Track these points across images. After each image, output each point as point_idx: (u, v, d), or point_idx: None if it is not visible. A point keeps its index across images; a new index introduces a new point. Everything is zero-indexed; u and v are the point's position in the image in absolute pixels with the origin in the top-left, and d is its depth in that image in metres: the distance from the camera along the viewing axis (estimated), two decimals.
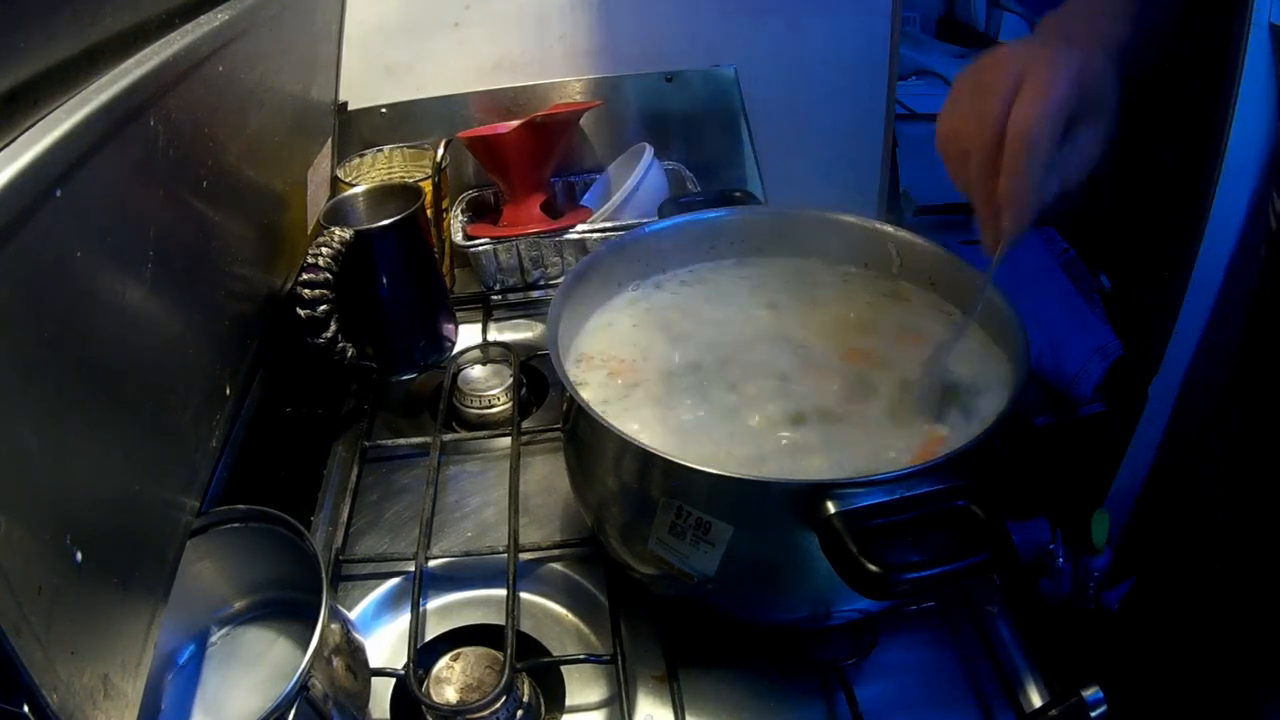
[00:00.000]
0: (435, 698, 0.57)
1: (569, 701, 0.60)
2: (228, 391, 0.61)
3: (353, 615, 0.65)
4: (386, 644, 0.66)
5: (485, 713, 0.56)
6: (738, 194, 0.80)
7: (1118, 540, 1.19)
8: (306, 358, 0.77)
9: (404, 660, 0.59)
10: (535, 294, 1.03)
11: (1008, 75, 0.51)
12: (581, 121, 1.11)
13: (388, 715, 0.60)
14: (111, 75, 0.42)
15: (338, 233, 0.75)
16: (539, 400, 0.89)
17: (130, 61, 0.45)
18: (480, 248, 1.00)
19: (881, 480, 0.47)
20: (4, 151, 0.33)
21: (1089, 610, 1.17)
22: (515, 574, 0.64)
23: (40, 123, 0.36)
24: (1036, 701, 0.58)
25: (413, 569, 0.67)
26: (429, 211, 0.93)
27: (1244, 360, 0.70)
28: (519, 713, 0.58)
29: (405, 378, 0.90)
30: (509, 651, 0.57)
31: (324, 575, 0.52)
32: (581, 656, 0.62)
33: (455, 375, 0.87)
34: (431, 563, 0.68)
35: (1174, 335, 1.13)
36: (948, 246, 0.68)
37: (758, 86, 1.17)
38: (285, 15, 0.76)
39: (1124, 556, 1.17)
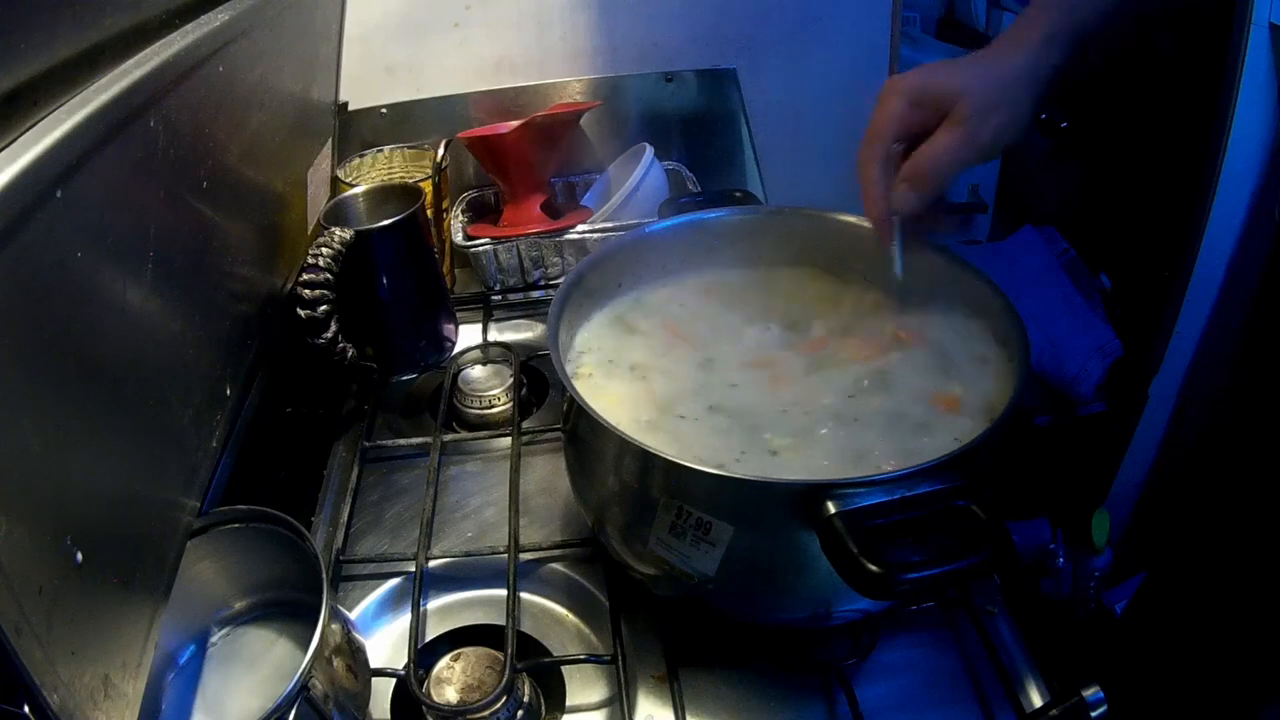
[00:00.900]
0: (436, 698, 0.57)
1: (569, 701, 0.60)
2: (228, 391, 0.61)
3: (353, 615, 0.65)
4: (387, 644, 0.66)
5: (485, 713, 0.56)
6: (738, 194, 0.79)
7: (1118, 540, 1.19)
8: (307, 358, 0.77)
9: (404, 660, 0.59)
10: (535, 294, 1.03)
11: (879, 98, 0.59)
12: (581, 121, 1.11)
13: (388, 715, 0.60)
14: (112, 76, 0.42)
15: (338, 233, 0.75)
16: (539, 400, 0.89)
17: (130, 62, 0.45)
18: (480, 248, 1.00)
19: (882, 480, 0.47)
20: (4, 151, 0.33)
21: (1089, 610, 1.17)
22: (515, 574, 0.64)
23: (40, 123, 0.36)
24: (1036, 701, 0.58)
25: (413, 569, 0.67)
26: (429, 211, 0.93)
27: (1244, 360, 0.70)
28: (519, 713, 0.58)
29: (405, 378, 0.90)
30: (509, 652, 0.57)
31: (324, 575, 0.52)
32: (582, 656, 0.62)
33: (455, 375, 0.87)
34: (432, 563, 0.68)
35: (1174, 335, 1.13)
36: (948, 246, 0.68)
37: (758, 86, 1.17)
38: (285, 15, 0.76)
39: (1124, 556, 1.17)
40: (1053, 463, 1.20)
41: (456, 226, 1.05)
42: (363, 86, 1.10)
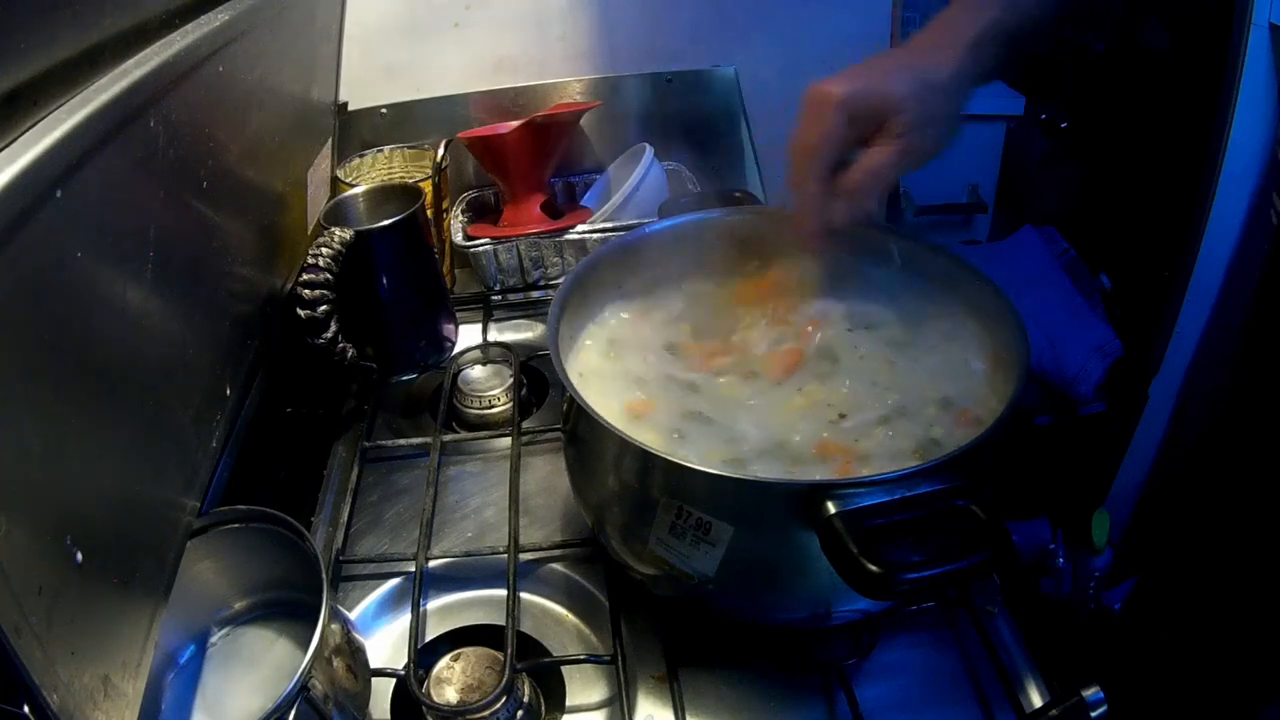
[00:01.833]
0: (435, 698, 0.57)
1: (569, 702, 0.60)
2: (228, 391, 0.61)
3: (353, 615, 0.65)
4: (387, 644, 0.66)
5: (485, 713, 0.56)
6: (738, 194, 0.80)
7: (1118, 540, 1.19)
8: (307, 358, 0.77)
9: (404, 660, 0.59)
10: (535, 294, 1.03)
11: (800, 111, 0.58)
12: (581, 121, 1.11)
13: (388, 715, 0.60)
14: (112, 76, 0.42)
15: (338, 233, 0.75)
16: (539, 400, 0.89)
17: (130, 62, 0.45)
18: (480, 248, 1.00)
19: (881, 480, 0.47)
20: (4, 151, 0.33)
21: (1089, 610, 1.17)
22: (515, 574, 0.64)
23: (40, 123, 0.36)
24: (1036, 701, 0.58)
25: (413, 569, 0.67)
26: (429, 212, 0.93)
27: (1244, 360, 0.70)
28: (519, 713, 0.58)
29: (405, 378, 0.90)
30: (509, 652, 0.57)
31: (324, 575, 0.52)
32: (582, 657, 0.62)
33: (455, 375, 0.87)
34: (432, 563, 0.68)
35: (1174, 335, 1.13)
36: (948, 246, 0.68)
37: (758, 86, 1.17)
38: (285, 15, 0.76)
39: (1124, 556, 1.17)
40: (1053, 463, 1.20)
41: (456, 226, 1.05)
42: (363, 86, 1.10)
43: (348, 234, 0.76)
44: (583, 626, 0.65)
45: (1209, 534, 0.80)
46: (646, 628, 0.63)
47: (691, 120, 1.16)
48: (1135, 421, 1.21)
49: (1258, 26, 0.94)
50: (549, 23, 1.13)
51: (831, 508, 0.45)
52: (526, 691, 0.59)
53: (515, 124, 1.00)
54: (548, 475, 0.77)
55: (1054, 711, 0.54)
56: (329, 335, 0.76)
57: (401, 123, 1.11)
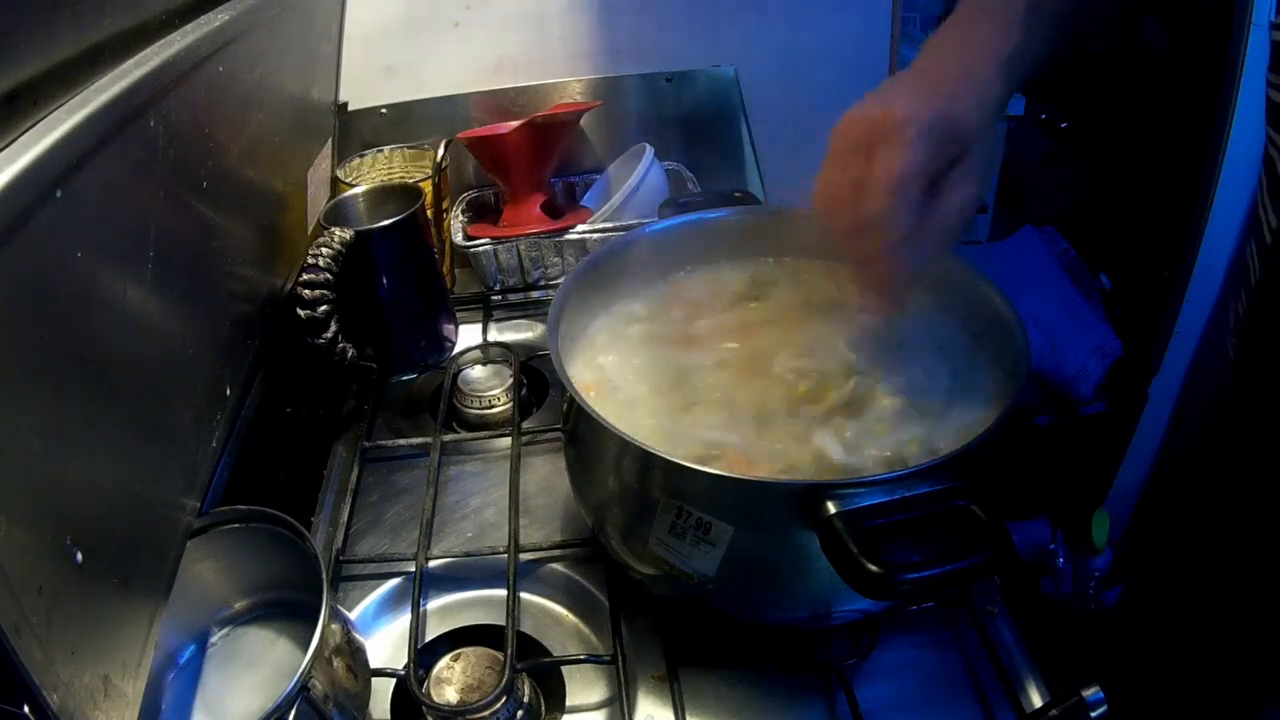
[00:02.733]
0: (435, 698, 0.57)
1: (569, 702, 0.60)
2: (228, 391, 0.61)
3: (353, 615, 0.65)
4: (387, 644, 0.66)
5: (485, 713, 0.56)
6: (738, 194, 0.79)
7: (1118, 540, 1.19)
8: (307, 358, 0.77)
9: (404, 660, 0.59)
10: (535, 294, 1.03)
11: (862, 143, 0.50)
12: (581, 121, 1.11)
13: (388, 715, 0.60)
14: (112, 76, 0.42)
15: (338, 233, 0.75)
16: (539, 400, 0.89)
17: (130, 62, 0.45)
18: (480, 248, 1.00)
19: (882, 480, 0.47)
20: (4, 151, 0.33)
21: (1089, 610, 1.17)
22: (515, 574, 0.64)
23: (40, 123, 0.36)
24: (1036, 701, 0.58)
25: (413, 569, 0.67)
26: (429, 212, 0.93)
27: (1244, 360, 0.70)
28: (519, 713, 0.58)
29: (405, 378, 0.90)
30: (509, 652, 0.57)
31: (324, 576, 0.52)
32: (582, 657, 0.62)
33: (455, 375, 0.87)
34: (432, 563, 0.68)
35: (1174, 335, 1.13)
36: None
37: (758, 86, 1.17)
38: (285, 15, 0.76)
39: (1124, 556, 1.18)
40: (1053, 463, 1.20)
41: (456, 226, 1.05)
42: (363, 86, 1.10)
43: (348, 234, 0.76)
44: (583, 626, 0.65)
45: (1209, 534, 0.80)
46: (646, 628, 0.63)
47: (691, 120, 1.16)
48: (1135, 421, 1.21)
49: (1257, 26, 0.94)
50: (549, 23, 1.13)
51: (831, 508, 0.45)
52: (526, 691, 0.59)
53: (515, 124, 1.00)
54: (548, 475, 0.77)
55: (1054, 711, 0.54)
56: (329, 335, 0.76)
57: (401, 123, 1.11)
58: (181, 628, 0.58)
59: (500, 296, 1.03)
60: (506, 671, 0.56)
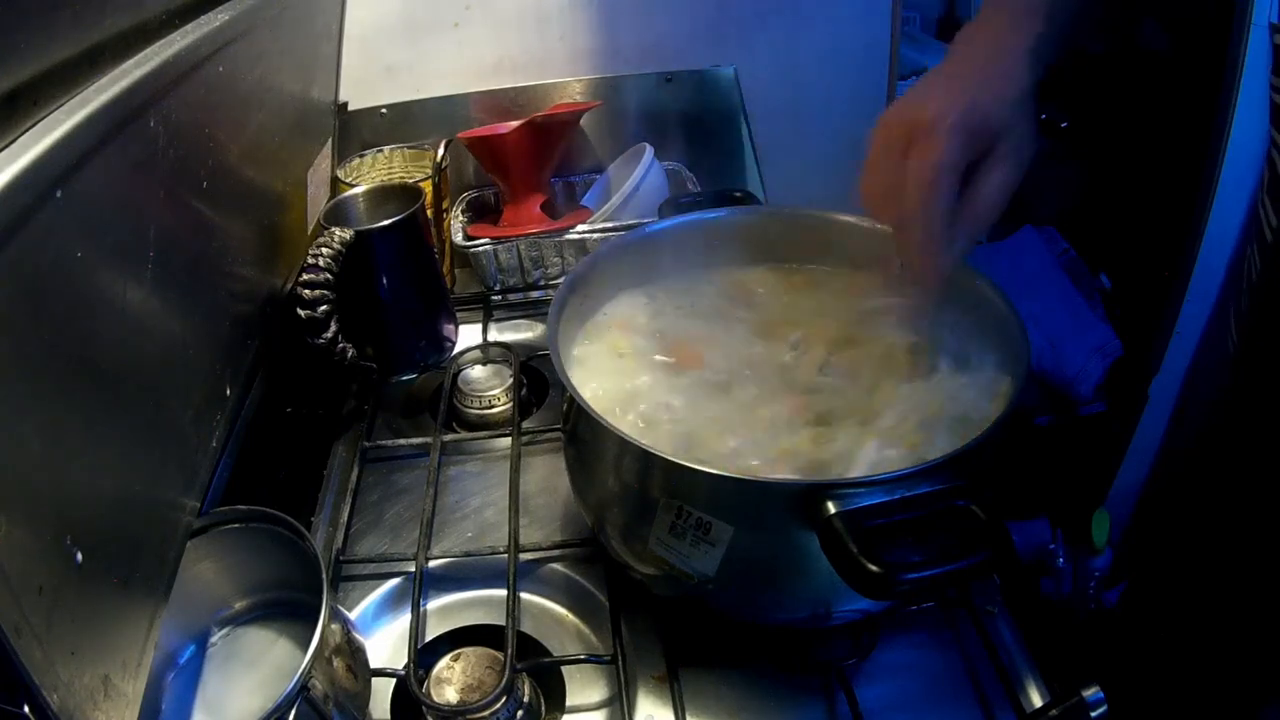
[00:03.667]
0: (435, 698, 0.57)
1: (569, 702, 0.60)
2: (228, 391, 0.61)
3: (353, 615, 0.65)
4: (387, 644, 0.66)
5: (485, 713, 0.56)
6: (738, 194, 0.79)
7: (1118, 540, 1.19)
8: (307, 358, 0.77)
9: (404, 660, 0.59)
10: (535, 294, 1.03)
11: (899, 140, 0.53)
12: (581, 121, 1.11)
13: (388, 715, 0.60)
14: (112, 76, 0.42)
15: (338, 233, 0.75)
16: (539, 400, 0.89)
17: (130, 62, 0.45)
18: (480, 248, 1.00)
19: (882, 480, 0.47)
20: (4, 152, 0.33)
21: (1089, 610, 1.17)
22: (515, 574, 0.64)
23: (40, 123, 0.36)
24: (1036, 701, 0.58)
25: (413, 569, 0.67)
26: (429, 212, 0.93)
27: (1244, 359, 0.70)
28: (519, 713, 0.58)
29: (405, 378, 0.90)
30: (509, 652, 0.57)
31: (324, 575, 0.52)
32: (582, 657, 0.62)
33: (455, 375, 0.87)
34: (432, 563, 0.68)
35: (1174, 335, 1.13)
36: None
37: (758, 86, 1.17)
38: (285, 15, 0.76)
39: (1124, 556, 1.18)
40: (1053, 463, 1.20)
41: (456, 226, 1.05)
42: (363, 86, 1.10)
43: (348, 234, 0.76)
44: (583, 626, 0.65)
45: (1209, 534, 0.80)
46: (646, 628, 0.63)
47: (691, 120, 1.16)
48: (1135, 421, 1.21)
49: (1257, 27, 0.94)
50: (549, 23, 1.13)
51: (831, 508, 0.45)
52: (526, 691, 0.59)
53: (515, 124, 1.00)
54: (548, 475, 0.77)
55: (1054, 711, 0.54)
56: (329, 335, 0.76)
57: (401, 123, 1.11)
58: (181, 628, 0.58)
59: (500, 296, 1.03)
60: (506, 671, 0.56)
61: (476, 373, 0.88)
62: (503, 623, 0.60)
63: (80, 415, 0.39)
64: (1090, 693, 0.52)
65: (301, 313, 0.74)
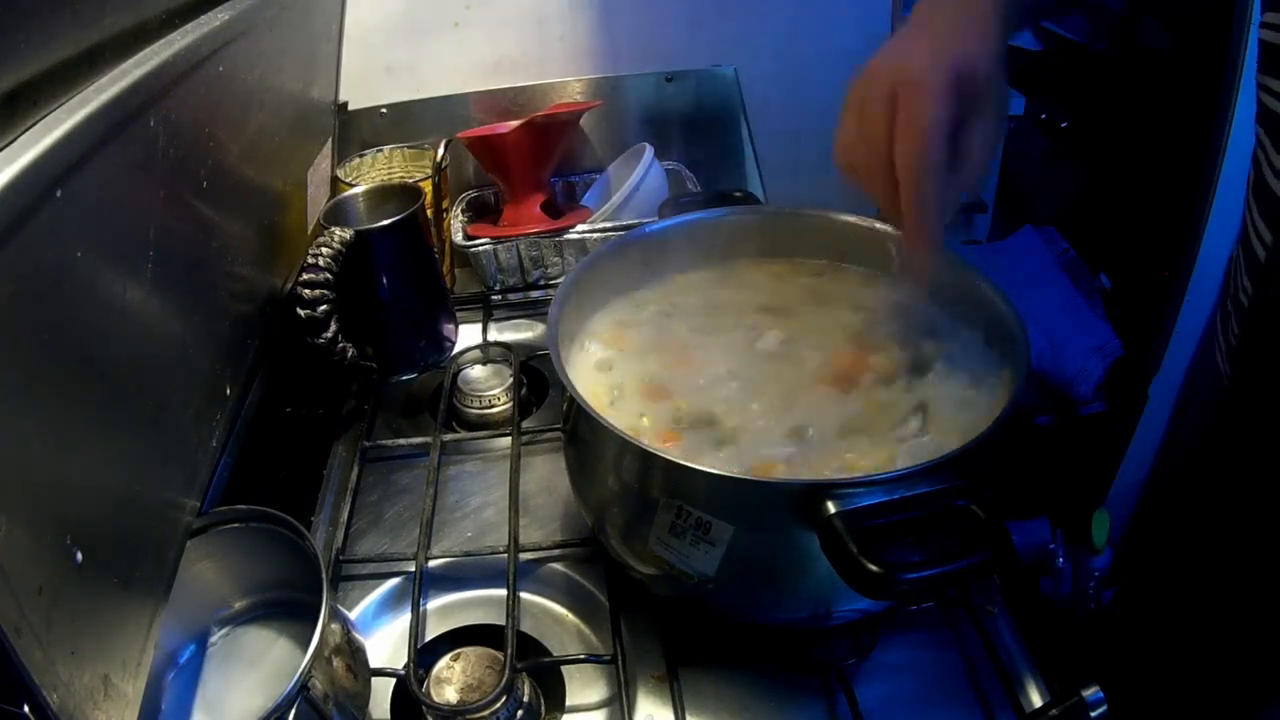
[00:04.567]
0: (435, 698, 0.57)
1: (569, 701, 0.60)
2: (228, 391, 0.61)
3: (353, 615, 0.65)
4: (387, 644, 0.66)
5: (485, 713, 0.56)
6: (738, 194, 0.80)
7: (1118, 540, 1.19)
8: (306, 358, 0.77)
9: (404, 660, 0.59)
10: (535, 294, 1.03)
11: (883, 95, 0.51)
12: (581, 121, 1.11)
13: (388, 715, 0.60)
14: (112, 76, 0.42)
15: (338, 233, 0.75)
16: (539, 400, 0.89)
17: (130, 62, 0.45)
18: (480, 248, 1.00)
19: (881, 480, 0.47)
20: (4, 151, 0.33)
21: (1089, 610, 1.17)
22: (515, 574, 0.64)
23: (40, 123, 0.36)
24: (1036, 701, 0.58)
25: (413, 569, 0.67)
26: (429, 211, 0.93)
27: (1244, 359, 0.70)
28: (519, 713, 0.58)
29: (405, 378, 0.90)
30: (509, 651, 0.57)
31: (324, 575, 0.52)
32: (582, 656, 0.62)
33: (455, 375, 0.87)
34: (431, 563, 0.68)
35: (1174, 335, 1.13)
36: (947, 246, 0.68)
37: (758, 86, 1.17)
38: (285, 15, 0.76)
39: (1124, 556, 1.17)
40: (1053, 463, 1.20)
41: (456, 226, 1.05)
42: (363, 86, 1.10)
43: (348, 234, 0.76)
44: (583, 626, 0.65)
45: (1209, 534, 0.80)
46: (646, 628, 0.63)
47: (691, 120, 1.16)
48: (1135, 421, 1.21)
49: (1257, 26, 0.94)
50: (549, 23, 1.13)
51: (831, 507, 0.45)
52: (526, 691, 0.59)
53: (515, 124, 1.00)
54: (548, 475, 0.77)
55: (1054, 711, 0.54)
56: (329, 335, 0.76)
57: (401, 122, 1.11)
58: (181, 628, 0.58)
59: (500, 296, 1.03)
60: (506, 671, 0.56)
61: (476, 372, 0.88)
62: (502, 622, 0.60)
63: (80, 415, 0.39)
64: (1090, 693, 0.52)
65: (301, 312, 0.74)
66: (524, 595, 0.67)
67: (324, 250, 0.74)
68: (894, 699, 0.58)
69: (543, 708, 0.60)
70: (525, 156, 1.02)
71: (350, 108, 1.10)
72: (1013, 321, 0.60)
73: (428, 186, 0.95)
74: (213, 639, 0.60)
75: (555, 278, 1.02)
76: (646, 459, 0.53)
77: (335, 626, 0.54)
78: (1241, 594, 0.77)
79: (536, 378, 0.91)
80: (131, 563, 0.44)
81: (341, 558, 0.70)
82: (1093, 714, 0.52)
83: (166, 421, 0.50)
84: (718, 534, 0.50)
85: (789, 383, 0.63)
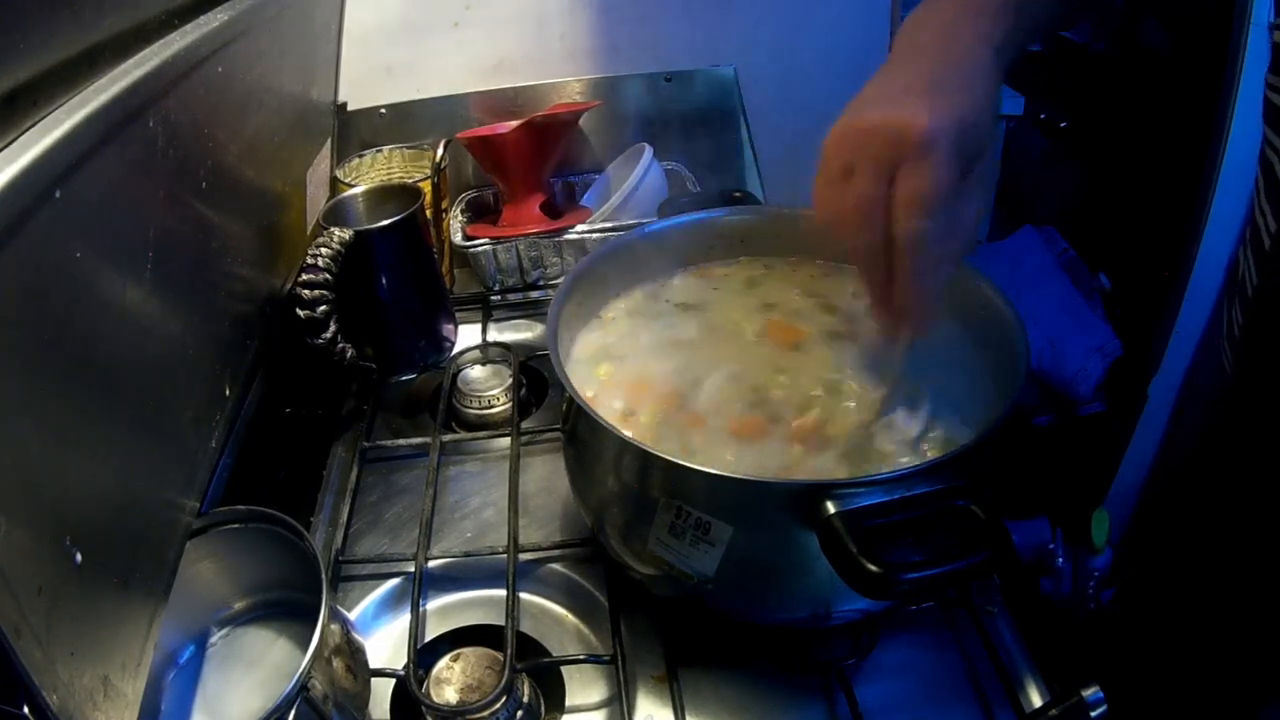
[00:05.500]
0: (435, 698, 0.57)
1: (569, 702, 0.60)
2: (228, 391, 0.61)
3: (353, 616, 0.65)
4: (386, 644, 0.66)
5: (485, 713, 0.56)
6: (738, 194, 0.80)
7: (1118, 540, 1.19)
8: (306, 358, 0.77)
9: (404, 661, 0.59)
10: (535, 294, 1.03)
11: (881, 160, 0.46)
12: (581, 121, 1.11)
13: (388, 716, 0.60)
14: (111, 76, 0.42)
15: (337, 233, 0.75)
16: (539, 400, 0.89)
17: (130, 62, 0.45)
18: (480, 248, 1.00)
19: (881, 480, 0.47)
20: (4, 152, 0.33)
21: (1089, 610, 1.17)
22: (515, 574, 0.64)
23: (40, 123, 0.36)
24: (1036, 701, 0.58)
25: (413, 569, 0.67)
26: (429, 212, 0.93)
27: (1245, 359, 0.70)
28: (519, 713, 0.58)
29: (405, 378, 0.90)
30: (509, 652, 0.57)
31: (324, 576, 0.52)
32: (581, 657, 0.62)
33: (455, 375, 0.87)
34: (431, 563, 0.68)
35: (1174, 335, 1.13)
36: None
37: (758, 86, 1.17)
38: (285, 15, 0.76)
39: (1124, 556, 1.17)
40: (1053, 463, 1.20)
41: (456, 226, 1.05)
42: (362, 86, 1.10)
43: (347, 234, 0.76)
44: (582, 626, 0.65)
45: (1209, 533, 0.80)
46: (646, 628, 0.63)
47: (691, 120, 1.16)
48: (1135, 421, 1.21)
49: (1257, 26, 0.94)
50: (549, 23, 1.13)
51: (831, 508, 0.45)
52: (526, 691, 0.59)
53: (515, 124, 1.00)
54: (547, 475, 0.77)
55: (1054, 711, 0.54)
56: (329, 335, 0.76)
57: (401, 123, 1.11)
58: (181, 628, 0.58)
59: (500, 296, 1.03)
60: (506, 671, 0.56)
61: (476, 373, 0.88)
62: (502, 623, 0.60)
63: (80, 415, 0.39)
64: (1090, 693, 0.52)
65: (301, 313, 0.74)
66: (524, 595, 0.67)
67: (323, 251, 0.74)
68: (894, 699, 0.58)
69: (542, 708, 0.60)
70: (525, 157, 1.02)
71: (350, 108, 1.10)
72: (1012, 321, 0.60)
73: (427, 187, 0.95)
74: (213, 639, 0.60)
75: (555, 278, 1.02)
76: (646, 459, 0.53)
77: (335, 627, 0.54)
78: (1241, 594, 0.77)
79: (536, 378, 0.91)
80: (131, 563, 0.44)
81: (341, 558, 0.70)
82: (1093, 714, 0.52)
83: (166, 422, 0.50)
84: (717, 534, 0.50)
85: (790, 383, 0.63)
